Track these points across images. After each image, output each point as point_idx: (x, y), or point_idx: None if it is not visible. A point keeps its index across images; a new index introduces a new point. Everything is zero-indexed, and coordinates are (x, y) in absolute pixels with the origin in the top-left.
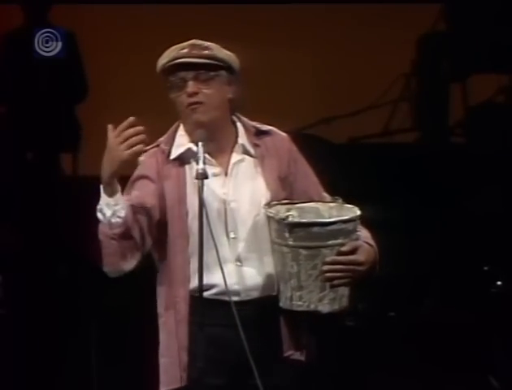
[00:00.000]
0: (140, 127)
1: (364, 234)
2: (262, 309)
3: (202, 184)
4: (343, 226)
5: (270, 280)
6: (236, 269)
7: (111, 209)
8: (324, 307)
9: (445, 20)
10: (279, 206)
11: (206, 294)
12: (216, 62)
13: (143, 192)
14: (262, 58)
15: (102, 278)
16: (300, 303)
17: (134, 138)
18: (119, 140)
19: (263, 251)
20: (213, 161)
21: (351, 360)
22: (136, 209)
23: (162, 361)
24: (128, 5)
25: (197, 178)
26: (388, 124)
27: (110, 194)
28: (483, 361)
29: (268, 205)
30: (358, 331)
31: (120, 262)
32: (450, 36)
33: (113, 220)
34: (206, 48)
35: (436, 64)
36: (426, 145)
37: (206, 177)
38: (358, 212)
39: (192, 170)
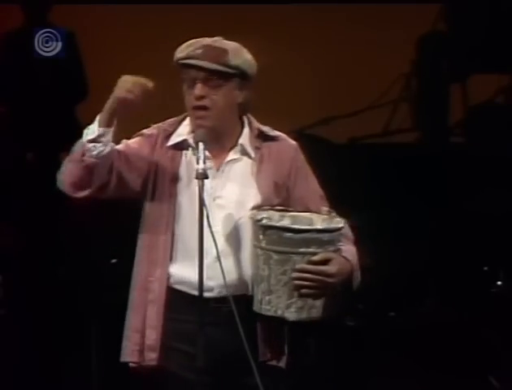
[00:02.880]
0: (148, 84)
1: (347, 249)
2: (237, 309)
3: (202, 184)
4: (316, 235)
5: (245, 280)
6: (213, 264)
7: (93, 135)
8: (291, 315)
9: (445, 20)
10: (272, 211)
11: (179, 287)
12: (228, 70)
13: (135, 154)
14: (261, 58)
15: (102, 278)
16: (268, 307)
17: (133, 87)
18: (124, 79)
19: (243, 251)
20: (209, 156)
21: (351, 360)
22: (120, 157)
23: (131, 334)
24: (128, 5)
25: (197, 178)
26: (388, 124)
27: (101, 125)
28: (483, 361)
29: (259, 208)
30: (358, 331)
31: (75, 187)
32: (450, 36)
33: (89, 146)
34: (223, 52)
35: (436, 64)
36: (426, 145)
37: (206, 177)
38: (340, 225)
39: (187, 157)
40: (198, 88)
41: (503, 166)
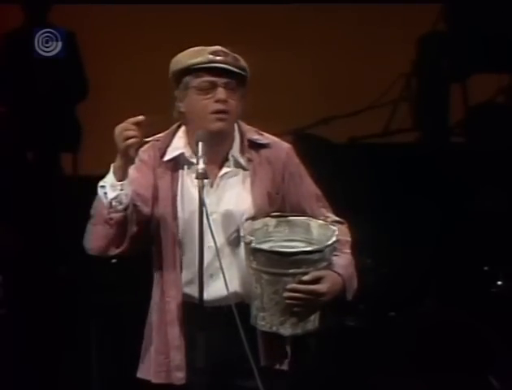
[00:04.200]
0: (138, 119)
1: (340, 261)
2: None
3: (202, 184)
4: (306, 256)
5: (242, 291)
6: (207, 280)
7: (116, 192)
8: (286, 330)
9: (445, 20)
10: (268, 218)
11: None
12: (245, 74)
13: (138, 184)
14: (261, 58)
15: (102, 278)
16: (263, 323)
17: (127, 132)
18: (117, 131)
19: (239, 264)
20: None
21: (351, 360)
22: (131, 199)
23: (155, 356)
24: (128, 5)
25: (197, 178)
26: (388, 124)
27: (119, 178)
28: (483, 361)
29: (253, 218)
30: (358, 331)
31: (109, 248)
32: (450, 36)
33: (114, 203)
34: (236, 58)
35: (436, 64)
36: (426, 145)
37: (206, 177)
38: (329, 242)
39: (184, 174)
40: (221, 92)
41: (503, 165)
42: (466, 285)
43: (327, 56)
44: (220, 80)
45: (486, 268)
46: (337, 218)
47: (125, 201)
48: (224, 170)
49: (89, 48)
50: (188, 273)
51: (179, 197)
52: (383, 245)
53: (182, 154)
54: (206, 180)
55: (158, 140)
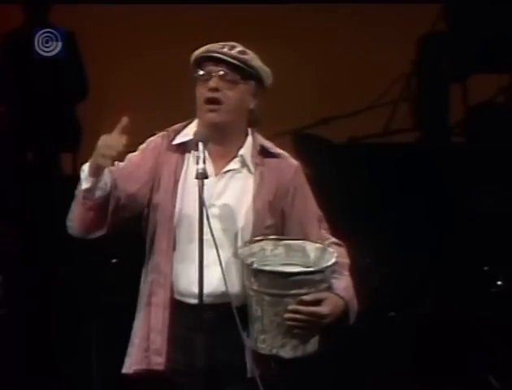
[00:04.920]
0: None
1: (340, 284)
2: (226, 317)
3: (202, 184)
4: (308, 277)
5: (232, 291)
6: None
7: (88, 184)
8: (286, 353)
9: (445, 20)
10: (265, 242)
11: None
12: (246, 68)
13: (135, 165)
14: (261, 58)
15: (102, 278)
16: (263, 346)
17: (108, 152)
18: (101, 142)
19: (230, 262)
20: (209, 161)
21: (351, 360)
22: (121, 181)
23: (137, 343)
24: (128, 5)
25: (197, 177)
26: (388, 124)
27: (92, 174)
28: (483, 361)
29: (251, 241)
30: (358, 331)
31: (89, 229)
32: (450, 36)
33: (85, 194)
34: (243, 52)
35: (436, 64)
36: (426, 145)
37: (206, 177)
38: (330, 262)
39: (190, 157)
40: (214, 81)
41: (503, 165)
42: (466, 285)
43: (327, 56)
44: (215, 69)
45: (486, 268)
46: (336, 241)
47: (99, 193)
48: (231, 165)
49: (89, 48)
50: (181, 264)
51: (181, 180)
52: (383, 245)
53: (191, 140)
54: (211, 170)
55: (168, 131)
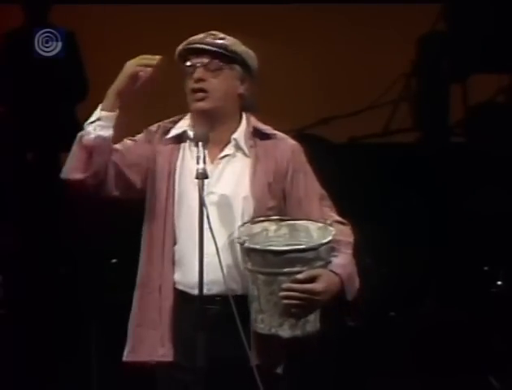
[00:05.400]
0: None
1: (339, 261)
2: (229, 310)
3: (202, 184)
4: (300, 255)
5: (234, 279)
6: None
7: (93, 117)
8: (285, 332)
9: (445, 20)
10: (267, 223)
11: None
12: (228, 54)
13: (132, 147)
14: (262, 57)
15: (102, 278)
16: (262, 326)
17: (148, 58)
18: (135, 60)
19: (231, 250)
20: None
21: (351, 360)
22: (117, 152)
23: (139, 329)
24: (128, 5)
25: (197, 177)
26: (388, 124)
27: (104, 108)
28: (483, 361)
29: (252, 221)
30: (358, 331)
31: (74, 169)
32: (450, 36)
33: (88, 129)
34: (222, 38)
35: (436, 64)
36: (426, 145)
37: (206, 177)
38: (324, 240)
39: (185, 147)
40: (198, 72)
41: (503, 165)
42: (466, 285)
43: (327, 56)
44: (198, 60)
45: (486, 268)
46: (340, 219)
47: (99, 131)
48: (226, 151)
49: (89, 48)
50: (183, 255)
51: (178, 170)
52: (383, 245)
53: (185, 132)
54: (206, 158)
55: (164, 122)
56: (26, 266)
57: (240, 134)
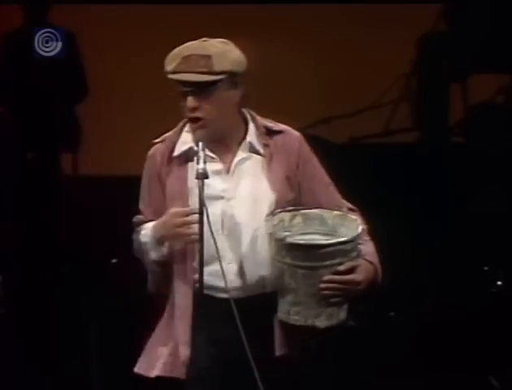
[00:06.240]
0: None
1: (367, 249)
2: (252, 307)
3: (203, 184)
4: (341, 247)
5: (260, 281)
6: (226, 267)
7: (158, 252)
8: (321, 323)
9: (445, 20)
10: (283, 213)
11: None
12: (214, 77)
13: (156, 201)
14: (262, 58)
15: (102, 278)
16: (297, 318)
17: (189, 231)
18: (179, 221)
19: (259, 251)
20: (216, 158)
21: (351, 360)
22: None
23: (160, 349)
24: (128, 5)
25: (197, 178)
26: (388, 124)
27: (160, 243)
28: (483, 361)
29: (272, 213)
30: (358, 331)
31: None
32: (450, 36)
33: (157, 260)
34: (206, 59)
35: (436, 64)
36: (426, 145)
37: (207, 177)
38: (359, 229)
39: (194, 168)
40: (189, 101)
41: (503, 165)
42: (466, 285)
43: (327, 56)
44: (188, 89)
45: (486, 268)
46: (351, 206)
47: (165, 255)
48: (240, 155)
49: (89, 48)
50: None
51: (189, 188)
52: (383, 245)
53: (191, 148)
54: (221, 166)
55: (163, 141)
56: (26, 266)
57: (252, 136)
